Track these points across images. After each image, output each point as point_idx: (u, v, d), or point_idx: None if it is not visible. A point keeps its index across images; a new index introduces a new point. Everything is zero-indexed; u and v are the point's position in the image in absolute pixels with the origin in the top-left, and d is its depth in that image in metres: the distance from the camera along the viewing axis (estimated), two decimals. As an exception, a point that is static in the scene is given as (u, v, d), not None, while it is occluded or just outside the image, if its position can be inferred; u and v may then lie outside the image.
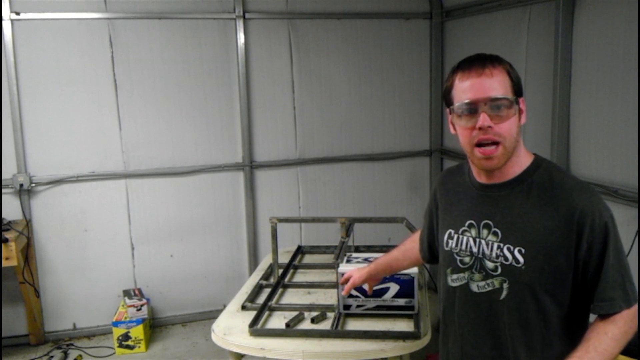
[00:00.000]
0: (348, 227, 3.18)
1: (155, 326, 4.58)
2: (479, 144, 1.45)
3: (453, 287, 1.61)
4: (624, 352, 2.46)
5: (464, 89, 1.45)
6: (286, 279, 3.17)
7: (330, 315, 2.65)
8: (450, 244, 1.62)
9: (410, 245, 2.01)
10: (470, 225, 1.57)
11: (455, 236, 1.60)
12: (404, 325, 2.54)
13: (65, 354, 4.19)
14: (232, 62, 4.52)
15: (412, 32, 4.88)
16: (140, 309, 4.22)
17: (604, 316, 1.45)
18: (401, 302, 2.57)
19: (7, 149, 4.12)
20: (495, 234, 1.52)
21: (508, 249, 1.48)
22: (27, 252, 4.15)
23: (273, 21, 4.58)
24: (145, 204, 4.50)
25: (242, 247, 4.78)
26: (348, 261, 2.70)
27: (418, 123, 5.00)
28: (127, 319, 4.19)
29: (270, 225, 3.14)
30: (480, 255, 1.54)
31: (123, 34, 4.27)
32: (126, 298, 4.31)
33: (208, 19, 4.43)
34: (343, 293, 2.25)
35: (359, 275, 2.11)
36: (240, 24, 4.46)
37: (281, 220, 3.21)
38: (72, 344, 4.33)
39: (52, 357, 4.16)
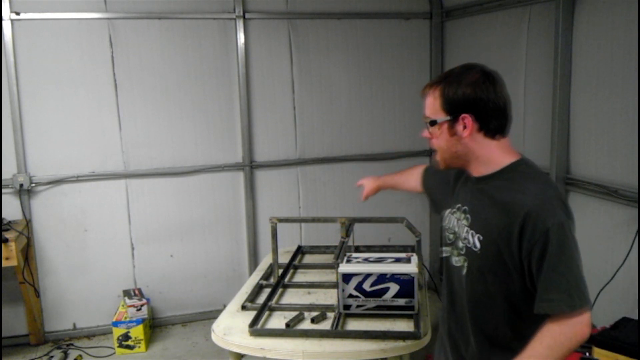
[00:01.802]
0: (348, 227, 3.18)
1: (155, 326, 4.58)
2: None
3: (444, 258, 1.84)
4: (624, 352, 2.46)
5: None
6: (286, 279, 3.17)
7: (330, 315, 2.65)
8: (445, 222, 1.84)
9: (408, 177, 2.38)
10: (458, 208, 1.78)
11: (449, 216, 1.83)
12: (404, 325, 2.54)
13: (65, 354, 4.19)
14: (232, 62, 4.52)
15: (412, 32, 4.87)
16: (140, 309, 4.22)
17: (551, 317, 1.51)
18: (401, 302, 2.57)
19: (7, 149, 4.12)
20: (467, 219, 1.72)
21: (472, 234, 1.67)
22: (27, 252, 4.15)
23: (273, 21, 4.58)
24: (145, 204, 4.50)
25: (242, 247, 4.78)
26: (348, 261, 2.70)
27: (418, 123, 4.90)
28: (127, 319, 4.19)
29: (270, 225, 3.14)
30: (457, 234, 1.75)
31: (123, 34, 4.27)
32: (126, 298, 4.31)
33: (208, 19, 4.43)
34: (362, 199, 2.69)
35: (372, 187, 2.66)
36: (240, 24, 4.46)
37: (281, 220, 3.20)
38: (72, 344, 4.33)
39: (52, 357, 4.16)
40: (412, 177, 2.32)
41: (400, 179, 2.47)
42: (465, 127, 1.63)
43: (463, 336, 1.77)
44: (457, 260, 1.74)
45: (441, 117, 1.66)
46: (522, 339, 1.56)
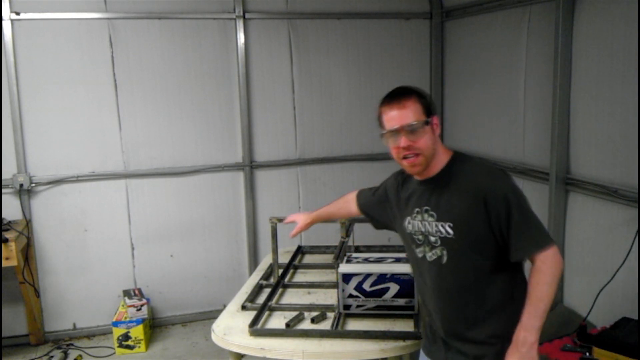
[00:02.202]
0: (348, 227, 3.18)
1: (155, 326, 4.58)
2: (405, 157, 1.93)
3: (417, 258, 2.05)
4: (624, 352, 2.47)
5: (388, 119, 1.93)
6: (286, 279, 3.17)
7: (330, 315, 2.65)
8: (409, 228, 2.05)
9: (343, 205, 2.55)
10: (418, 212, 2.01)
11: (412, 222, 2.04)
12: (404, 325, 2.54)
13: (65, 354, 4.19)
14: (232, 62, 4.52)
15: (412, 32, 4.87)
16: (140, 309, 4.22)
17: (533, 265, 1.83)
18: (401, 302, 2.58)
19: (7, 149, 4.12)
20: (432, 215, 1.96)
21: (442, 225, 1.93)
22: (27, 252, 4.15)
23: (273, 21, 4.58)
24: (145, 204, 4.50)
25: (242, 247, 4.78)
26: (348, 261, 2.70)
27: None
28: (127, 319, 4.19)
29: (270, 225, 3.14)
30: (426, 233, 1.98)
31: (123, 34, 4.27)
32: (126, 298, 4.31)
33: (208, 19, 4.44)
34: (290, 235, 2.68)
35: (305, 223, 2.68)
36: (240, 24, 4.46)
37: (281, 220, 3.20)
38: (72, 344, 4.33)
39: (52, 357, 4.16)
40: (347, 204, 2.52)
41: (333, 209, 2.63)
42: (437, 126, 1.97)
43: (454, 319, 1.98)
44: (431, 255, 1.97)
45: (427, 118, 1.93)
46: (510, 298, 1.90)
